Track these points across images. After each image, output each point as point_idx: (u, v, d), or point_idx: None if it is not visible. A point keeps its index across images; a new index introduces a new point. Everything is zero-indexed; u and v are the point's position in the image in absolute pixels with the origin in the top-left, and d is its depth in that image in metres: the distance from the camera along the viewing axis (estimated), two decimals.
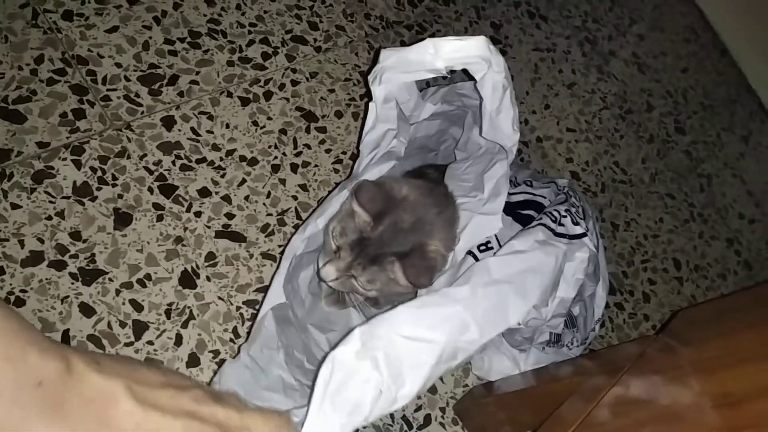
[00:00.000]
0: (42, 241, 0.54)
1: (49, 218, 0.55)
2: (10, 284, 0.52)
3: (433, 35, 0.85)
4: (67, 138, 0.59)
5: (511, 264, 0.50)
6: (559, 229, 0.56)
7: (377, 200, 0.54)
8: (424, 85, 0.70)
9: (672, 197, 0.95)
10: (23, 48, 0.61)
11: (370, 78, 0.58)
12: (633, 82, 1.01)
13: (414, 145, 0.67)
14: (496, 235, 0.58)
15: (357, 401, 0.41)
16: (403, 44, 0.82)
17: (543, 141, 0.87)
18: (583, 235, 0.56)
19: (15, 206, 0.55)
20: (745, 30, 1.15)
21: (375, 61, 0.58)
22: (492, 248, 0.56)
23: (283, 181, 0.67)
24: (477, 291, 0.47)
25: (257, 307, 0.60)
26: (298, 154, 0.69)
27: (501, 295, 0.49)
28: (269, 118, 0.70)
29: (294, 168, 0.68)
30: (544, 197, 0.63)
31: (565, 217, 0.57)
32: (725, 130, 1.07)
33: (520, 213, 0.61)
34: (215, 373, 0.54)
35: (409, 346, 0.44)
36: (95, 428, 0.28)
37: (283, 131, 0.70)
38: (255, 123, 0.69)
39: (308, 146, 0.70)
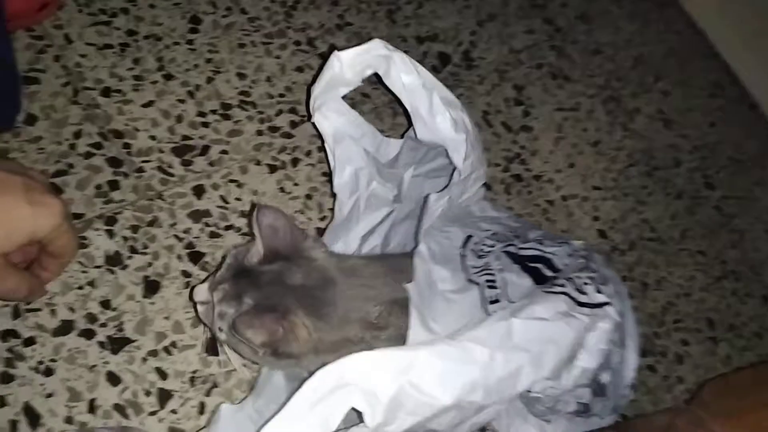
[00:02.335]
0: (73, 310, 0.56)
1: (81, 288, 0.58)
2: (41, 353, 0.54)
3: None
4: (101, 209, 0.62)
5: (532, 331, 0.50)
6: (582, 298, 0.55)
7: (280, 238, 0.50)
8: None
9: (703, 254, 0.93)
10: (63, 124, 0.65)
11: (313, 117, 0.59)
12: (659, 138, 1.01)
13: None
14: (504, 284, 0.57)
15: (331, 418, 0.40)
16: None
17: (568, 200, 0.87)
18: (607, 303, 0.55)
19: None
20: None
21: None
22: (499, 301, 0.55)
23: None
24: (496, 356, 0.46)
25: None
26: (323, 219, 0.71)
27: (517, 362, 0.48)
28: (296, 184, 0.72)
29: (320, 232, 0.70)
30: (555, 255, 0.62)
31: (588, 284, 0.56)
32: (757, 184, 1.05)
33: (528, 265, 0.61)
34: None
35: (414, 394, 0.43)
36: None
37: (308, 196, 0.72)
38: (282, 189, 0.71)
39: (332, 210, 0.72)
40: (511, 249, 0.61)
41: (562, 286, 0.56)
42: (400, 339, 0.52)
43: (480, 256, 0.60)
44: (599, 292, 0.57)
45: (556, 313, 0.52)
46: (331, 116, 0.60)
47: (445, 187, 0.61)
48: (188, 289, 0.61)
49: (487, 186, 0.80)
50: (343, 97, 0.59)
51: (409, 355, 0.43)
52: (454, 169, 0.60)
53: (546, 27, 1.00)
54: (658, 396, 0.79)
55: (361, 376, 0.41)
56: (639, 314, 0.78)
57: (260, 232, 0.49)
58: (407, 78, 0.56)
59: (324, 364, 0.46)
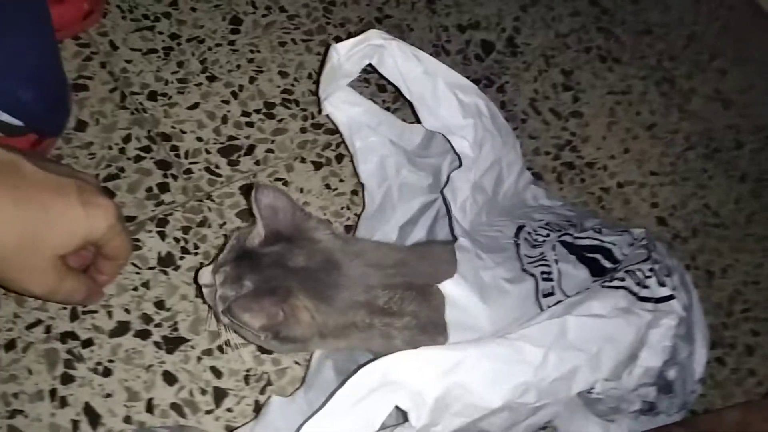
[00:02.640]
0: (128, 312, 0.57)
1: (135, 289, 0.58)
2: (99, 354, 0.55)
3: (501, 87, 0.84)
4: (153, 211, 0.62)
5: (589, 329, 0.47)
6: (643, 293, 0.51)
7: (280, 218, 0.48)
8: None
9: None
10: (112, 129, 0.65)
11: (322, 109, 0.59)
12: (718, 119, 0.96)
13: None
14: (559, 276, 0.54)
15: (374, 417, 0.39)
16: None
17: (624, 186, 0.84)
18: (671, 297, 0.52)
19: None
20: None
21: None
22: (554, 294, 0.53)
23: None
24: (550, 357, 0.44)
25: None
26: None
27: (572, 362, 0.45)
28: (341, 180, 0.71)
29: None
30: (614, 245, 0.59)
31: (650, 277, 0.53)
32: None
33: (585, 255, 0.58)
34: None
35: (461, 395, 0.41)
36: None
37: (354, 192, 0.71)
38: (327, 186, 0.70)
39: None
40: (567, 239, 0.59)
41: (621, 280, 0.53)
42: (421, 329, 0.50)
43: (534, 246, 0.58)
44: (662, 284, 0.54)
45: (614, 310, 0.49)
46: (342, 106, 0.59)
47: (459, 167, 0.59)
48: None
49: (537, 175, 0.78)
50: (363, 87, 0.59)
51: (457, 354, 0.42)
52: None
53: (592, 9, 0.97)
54: (728, 390, 0.75)
55: (407, 375, 0.40)
56: (705, 304, 0.74)
57: (260, 213, 0.48)
58: (406, 66, 0.55)
59: (335, 349, 0.45)
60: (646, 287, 0.53)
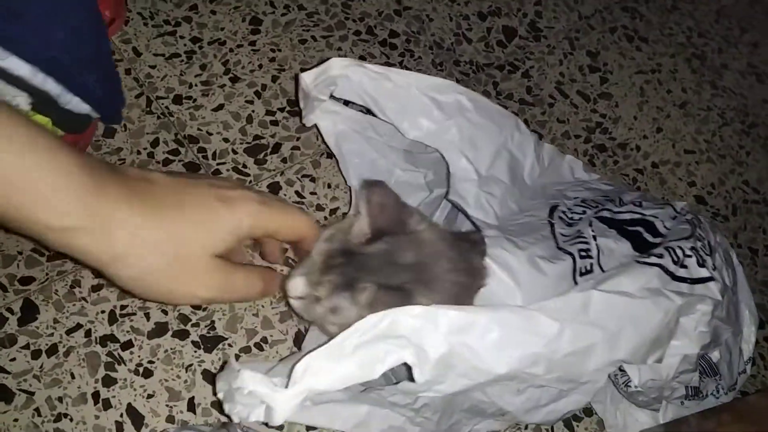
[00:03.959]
0: (165, 313, 0.57)
1: None
2: (139, 356, 0.55)
3: (526, 72, 0.83)
4: None
5: (612, 306, 0.45)
6: (680, 272, 0.49)
7: (388, 215, 0.46)
8: None
9: None
10: (140, 134, 0.66)
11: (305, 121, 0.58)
12: (753, 94, 0.93)
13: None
14: (599, 253, 0.52)
15: (375, 365, 0.38)
16: (496, 85, 0.80)
17: (659, 166, 0.81)
18: (708, 279, 0.50)
19: None
20: None
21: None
22: (592, 271, 0.51)
23: None
24: (565, 331, 0.42)
25: None
26: None
27: (589, 339, 0.43)
28: None
29: None
30: (657, 218, 0.57)
31: (689, 257, 0.51)
32: None
33: (626, 229, 0.55)
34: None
35: (466, 357, 0.40)
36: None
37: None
38: None
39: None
40: (605, 214, 0.57)
41: (659, 257, 0.50)
42: None
43: (570, 224, 0.56)
44: (701, 265, 0.51)
45: (643, 290, 0.47)
46: (325, 117, 0.58)
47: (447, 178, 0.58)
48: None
49: None
50: None
51: (469, 316, 0.41)
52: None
53: None
54: None
55: (413, 329, 0.39)
56: (750, 283, 0.71)
57: (368, 211, 0.46)
58: (374, 85, 0.54)
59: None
60: (684, 266, 0.51)
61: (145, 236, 0.35)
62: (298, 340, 0.58)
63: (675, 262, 0.51)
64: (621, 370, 0.51)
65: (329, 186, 0.68)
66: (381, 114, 0.55)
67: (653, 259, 0.50)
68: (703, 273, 0.51)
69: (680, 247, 0.52)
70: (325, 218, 0.66)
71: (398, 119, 0.55)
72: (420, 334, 0.39)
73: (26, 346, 0.54)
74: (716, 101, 0.90)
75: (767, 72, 0.97)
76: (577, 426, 0.61)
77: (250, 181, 0.66)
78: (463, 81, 0.80)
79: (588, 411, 0.62)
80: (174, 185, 0.38)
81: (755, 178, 0.85)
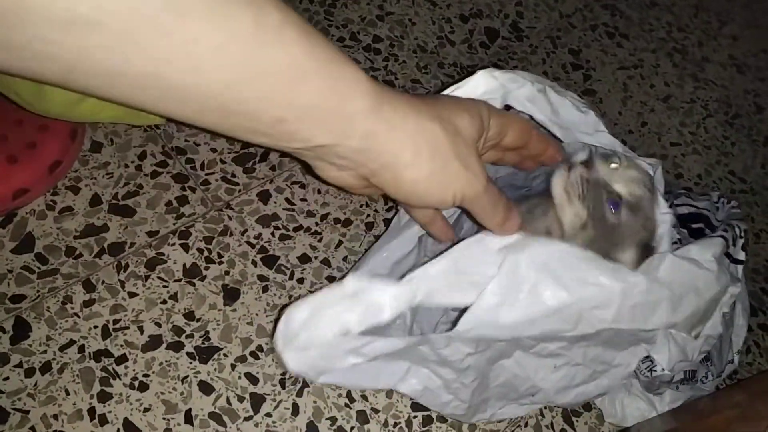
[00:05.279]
0: (159, 325, 0.57)
1: (164, 302, 0.58)
2: (133, 370, 0.54)
3: None
4: (174, 224, 0.62)
5: (681, 270, 0.46)
6: (731, 249, 0.51)
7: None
8: None
9: None
10: (127, 147, 0.66)
11: None
12: (734, 85, 0.94)
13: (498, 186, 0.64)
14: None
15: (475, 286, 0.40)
16: None
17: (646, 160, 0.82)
18: (742, 262, 0.51)
19: (132, 294, 0.58)
20: None
21: None
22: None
23: (378, 237, 0.67)
24: (641, 282, 0.44)
25: None
26: (389, 209, 0.69)
27: (656, 296, 0.45)
28: None
29: (387, 223, 0.68)
30: (709, 210, 0.58)
31: (741, 238, 0.52)
32: None
33: (691, 227, 0.57)
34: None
35: (542, 280, 0.41)
36: None
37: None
38: None
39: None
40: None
41: (725, 231, 0.52)
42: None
43: None
44: (743, 248, 0.53)
45: (708, 260, 0.48)
46: None
47: None
48: (266, 293, 0.60)
49: None
50: None
51: (561, 246, 0.43)
52: None
53: None
54: None
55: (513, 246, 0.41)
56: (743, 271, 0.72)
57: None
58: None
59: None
60: (734, 245, 0.52)
61: (424, 137, 0.35)
62: None
63: (732, 240, 0.52)
64: (646, 357, 0.52)
65: (319, 192, 0.68)
66: None
67: (719, 233, 0.52)
68: (741, 256, 0.53)
69: (738, 227, 0.54)
70: (316, 224, 0.66)
71: None
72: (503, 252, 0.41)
73: (19, 365, 0.53)
74: (699, 93, 0.91)
75: (747, 63, 0.98)
76: (577, 421, 0.61)
77: (240, 190, 0.66)
78: (448, 84, 0.80)
79: (587, 406, 0.62)
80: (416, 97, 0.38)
81: (741, 168, 0.86)
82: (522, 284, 0.41)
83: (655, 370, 0.52)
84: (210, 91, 0.30)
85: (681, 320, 0.46)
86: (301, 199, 0.67)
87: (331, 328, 0.40)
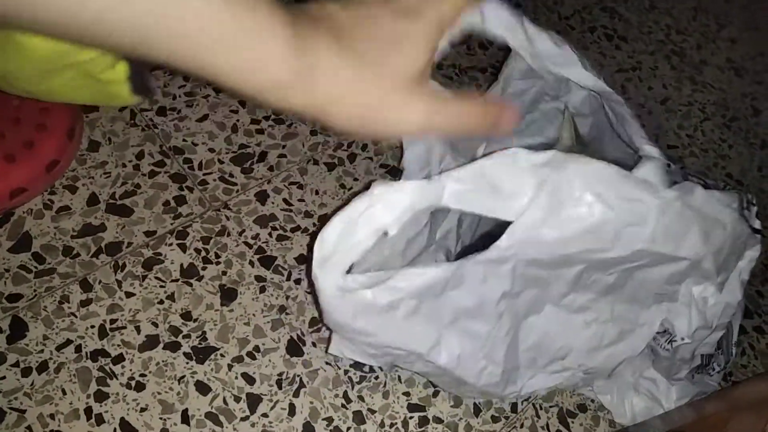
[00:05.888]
0: (156, 325, 0.57)
1: (161, 302, 0.58)
2: (130, 370, 0.54)
3: None
4: (171, 224, 0.62)
5: (710, 202, 0.47)
6: (745, 213, 0.52)
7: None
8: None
9: None
10: (125, 147, 0.66)
11: None
12: (732, 88, 0.95)
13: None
14: None
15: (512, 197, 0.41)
16: (479, 87, 0.81)
17: None
18: (759, 232, 0.52)
19: (129, 294, 0.58)
20: None
21: None
22: None
23: None
24: (675, 203, 0.44)
25: (365, 368, 0.59)
26: None
27: (688, 219, 0.45)
28: (355, 179, 0.71)
29: None
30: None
31: (754, 205, 0.54)
32: None
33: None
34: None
35: (584, 197, 0.42)
36: None
37: (369, 189, 0.70)
38: (342, 185, 0.70)
39: None
40: None
41: (738, 192, 0.54)
42: None
43: None
44: (758, 216, 0.54)
45: (729, 207, 0.49)
46: None
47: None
48: (263, 294, 0.61)
49: None
50: None
51: (607, 167, 0.43)
52: None
53: None
54: None
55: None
56: None
57: None
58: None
59: None
60: (748, 210, 0.53)
61: (350, 76, 0.33)
62: (291, 347, 0.58)
63: (745, 204, 0.54)
64: (664, 331, 0.53)
65: (317, 192, 0.69)
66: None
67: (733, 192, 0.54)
68: (757, 224, 0.54)
69: (748, 195, 0.55)
70: (314, 224, 0.66)
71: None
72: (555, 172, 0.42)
73: (16, 364, 0.53)
74: (697, 96, 0.91)
75: (745, 66, 0.98)
76: (572, 422, 0.62)
77: (237, 191, 0.66)
78: (446, 84, 0.80)
79: (582, 407, 0.62)
80: (353, 18, 0.35)
81: (738, 171, 0.86)
82: (565, 201, 0.41)
83: (675, 340, 0.52)
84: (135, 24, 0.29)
85: (712, 253, 0.47)
86: (299, 200, 0.67)
87: (367, 233, 0.40)
